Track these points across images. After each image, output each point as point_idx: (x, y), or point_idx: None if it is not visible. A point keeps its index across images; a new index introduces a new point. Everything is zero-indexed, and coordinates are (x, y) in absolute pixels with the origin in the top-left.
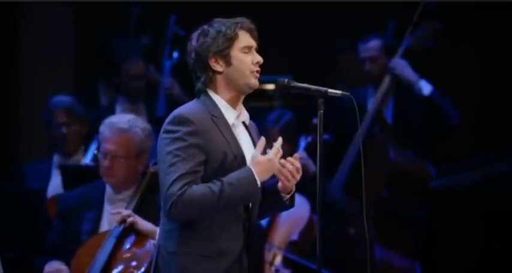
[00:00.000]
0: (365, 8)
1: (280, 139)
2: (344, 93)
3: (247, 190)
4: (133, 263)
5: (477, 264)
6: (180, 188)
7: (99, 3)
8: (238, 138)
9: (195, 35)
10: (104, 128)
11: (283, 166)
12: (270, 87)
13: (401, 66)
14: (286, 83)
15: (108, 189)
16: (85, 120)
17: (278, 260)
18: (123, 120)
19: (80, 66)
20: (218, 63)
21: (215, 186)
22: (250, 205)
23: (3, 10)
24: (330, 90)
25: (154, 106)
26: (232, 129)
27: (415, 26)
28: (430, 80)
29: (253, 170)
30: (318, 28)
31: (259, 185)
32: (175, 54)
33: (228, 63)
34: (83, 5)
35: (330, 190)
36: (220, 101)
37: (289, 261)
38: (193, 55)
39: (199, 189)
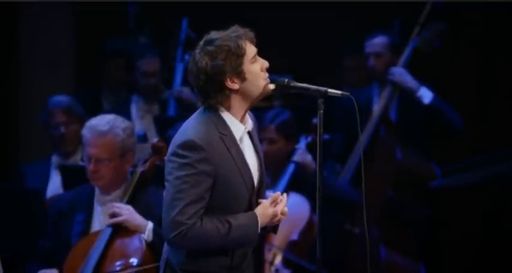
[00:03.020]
0: (369, 7)
1: (285, 195)
2: (344, 93)
3: (249, 239)
4: (125, 260)
5: (480, 263)
6: (190, 218)
7: (99, 3)
8: (244, 153)
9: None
10: (85, 131)
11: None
12: (270, 87)
13: (400, 74)
14: (285, 83)
15: (97, 190)
16: (84, 119)
17: (278, 259)
18: (102, 122)
19: (80, 66)
20: (234, 82)
21: (223, 227)
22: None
23: (3, 10)
24: (329, 90)
25: (166, 106)
26: (239, 144)
27: (422, 27)
28: (430, 80)
29: (259, 219)
30: (319, 27)
31: (258, 234)
32: (187, 57)
33: (243, 79)
34: (82, 5)
35: (337, 185)
36: (230, 118)
37: (290, 261)
38: (202, 77)
39: (209, 227)
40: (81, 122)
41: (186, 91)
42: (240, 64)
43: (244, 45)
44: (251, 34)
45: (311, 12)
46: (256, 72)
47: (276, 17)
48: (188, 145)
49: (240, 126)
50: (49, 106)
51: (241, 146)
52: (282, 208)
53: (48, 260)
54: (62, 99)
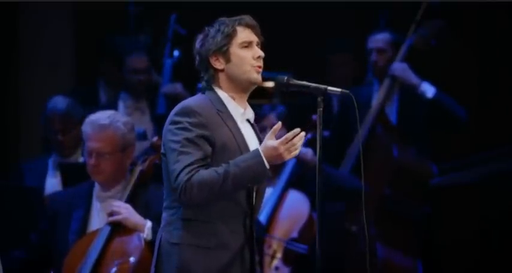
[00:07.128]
0: (364, 7)
1: (279, 123)
2: (344, 91)
3: (255, 170)
4: (123, 259)
5: (478, 262)
6: (187, 173)
7: (99, 3)
8: (243, 133)
9: (198, 38)
10: (86, 126)
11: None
12: (270, 84)
13: (402, 69)
14: (285, 81)
15: (97, 187)
16: (83, 120)
17: (279, 255)
18: (103, 116)
19: (80, 66)
20: (218, 61)
21: (221, 168)
22: (254, 199)
23: (3, 10)
24: (329, 88)
25: (156, 104)
26: (237, 123)
27: (418, 25)
28: (429, 79)
29: (261, 152)
30: (321, 27)
31: (267, 166)
32: (175, 53)
33: (227, 59)
34: (82, 4)
35: (338, 174)
36: (225, 97)
37: (290, 259)
38: (196, 56)
39: (205, 172)
40: (80, 125)
41: (178, 89)
42: (226, 44)
43: (235, 27)
44: (250, 21)
45: (309, 11)
46: (244, 56)
47: (277, 15)
48: (183, 111)
49: (237, 107)
50: (47, 112)
51: (240, 126)
52: (282, 142)
53: (34, 253)
54: (59, 105)
